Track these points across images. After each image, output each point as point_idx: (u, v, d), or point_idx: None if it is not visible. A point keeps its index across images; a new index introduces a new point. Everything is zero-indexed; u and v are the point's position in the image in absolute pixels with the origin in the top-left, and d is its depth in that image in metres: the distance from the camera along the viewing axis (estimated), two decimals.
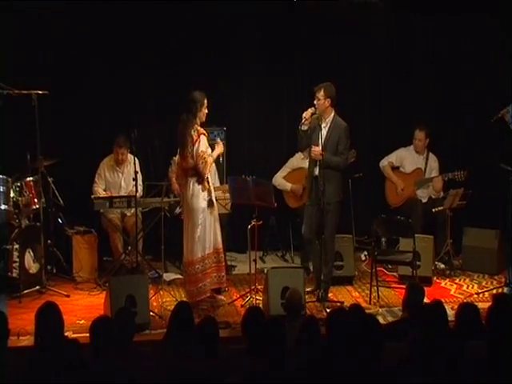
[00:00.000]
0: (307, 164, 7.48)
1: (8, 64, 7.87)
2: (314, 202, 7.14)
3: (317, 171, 7.12)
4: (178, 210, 8.11)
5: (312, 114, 7.05)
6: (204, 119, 7.02)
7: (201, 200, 6.95)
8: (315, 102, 7.09)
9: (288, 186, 8.46)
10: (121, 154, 8.09)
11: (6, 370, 4.32)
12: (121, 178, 8.21)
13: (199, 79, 8.29)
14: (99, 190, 8.10)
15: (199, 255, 6.96)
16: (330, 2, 8.73)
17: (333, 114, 7.16)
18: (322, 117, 7.10)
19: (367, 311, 5.74)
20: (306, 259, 8.04)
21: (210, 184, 7.04)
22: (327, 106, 7.10)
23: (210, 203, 6.98)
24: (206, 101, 6.96)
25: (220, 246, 7.08)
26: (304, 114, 7.05)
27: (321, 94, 7.07)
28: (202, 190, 6.96)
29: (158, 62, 8.66)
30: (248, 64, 8.92)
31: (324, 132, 7.08)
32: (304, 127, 7.08)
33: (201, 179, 6.93)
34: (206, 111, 6.98)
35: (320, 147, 6.98)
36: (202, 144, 6.89)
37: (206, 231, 6.97)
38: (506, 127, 8.06)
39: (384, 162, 8.78)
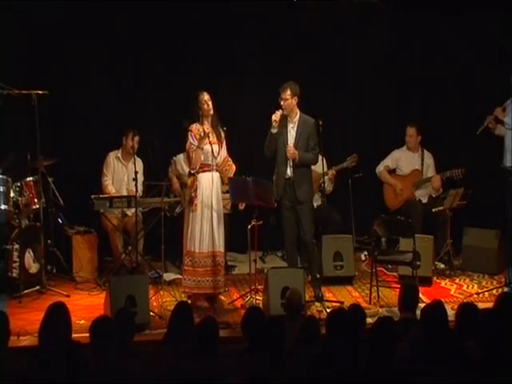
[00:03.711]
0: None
1: (8, 64, 7.86)
2: (289, 204, 7.21)
3: (289, 172, 7.18)
4: (178, 210, 8.12)
5: (281, 116, 7.10)
6: (208, 113, 7.02)
7: (187, 195, 7.11)
8: (282, 102, 7.12)
9: None
10: (136, 142, 8.03)
11: (6, 370, 4.32)
12: (125, 172, 8.21)
13: (199, 79, 8.29)
14: (109, 185, 8.12)
15: (184, 250, 7.09)
16: (330, 2, 8.73)
17: (299, 113, 7.22)
18: (289, 117, 7.18)
19: (367, 311, 5.73)
20: (305, 259, 8.03)
21: (200, 182, 7.03)
22: (294, 105, 7.15)
23: (190, 201, 7.03)
24: (201, 96, 6.98)
25: (217, 249, 7.05)
26: (274, 117, 7.09)
27: (287, 93, 7.11)
28: (189, 186, 7.05)
29: (158, 62, 8.67)
30: (248, 64, 8.93)
31: (293, 132, 7.19)
32: (274, 130, 7.13)
33: (189, 175, 7.09)
34: (206, 106, 6.99)
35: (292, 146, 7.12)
36: (189, 138, 7.00)
37: (189, 228, 7.03)
38: (493, 135, 8.09)
39: (380, 168, 8.78)
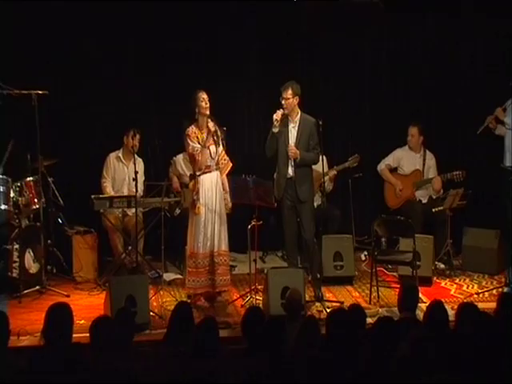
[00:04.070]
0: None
1: (8, 64, 7.86)
2: (290, 204, 7.26)
3: (291, 172, 7.22)
4: (177, 211, 8.11)
5: (282, 115, 7.13)
6: (205, 112, 7.01)
7: (189, 198, 7.08)
8: (283, 102, 7.17)
9: None
10: (137, 141, 7.98)
11: (6, 370, 4.32)
12: (126, 172, 8.20)
13: (199, 79, 8.29)
14: (107, 187, 8.10)
15: (189, 251, 7.08)
16: (330, 1, 8.73)
17: (300, 112, 7.25)
18: (290, 116, 7.21)
19: (367, 311, 5.74)
20: (305, 259, 8.03)
21: (201, 185, 7.02)
22: (295, 104, 7.19)
23: (192, 204, 7.01)
24: (200, 94, 6.99)
25: (215, 249, 7.06)
26: (275, 116, 7.13)
27: (289, 92, 7.16)
28: (191, 189, 7.03)
29: (158, 62, 8.66)
30: (248, 64, 8.93)
31: (294, 131, 7.24)
32: (276, 129, 7.16)
33: (191, 177, 7.08)
34: (204, 104, 6.99)
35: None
36: (190, 142, 6.99)
37: (193, 230, 7.03)
38: (493, 135, 8.09)
39: (381, 166, 8.79)
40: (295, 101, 7.17)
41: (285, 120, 7.20)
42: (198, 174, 7.05)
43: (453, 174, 8.37)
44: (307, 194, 7.28)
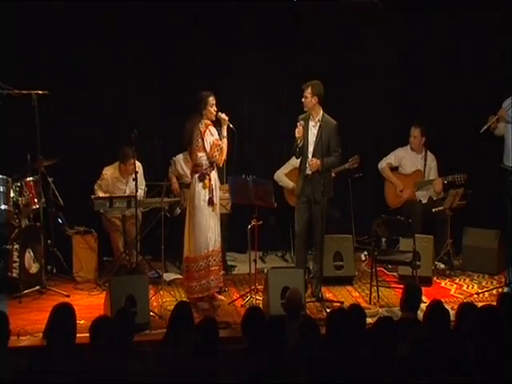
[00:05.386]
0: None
1: (8, 64, 7.86)
2: (305, 200, 7.27)
3: (309, 170, 7.25)
4: (177, 211, 8.11)
5: (303, 128, 7.19)
6: (213, 117, 7.06)
7: (202, 197, 7.01)
8: (303, 99, 7.24)
9: (290, 184, 8.37)
10: (131, 165, 7.76)
11: (6, 370, 4.32)
12: (125, 187, 8.13)
13: (199, 79, 8.30)
14: (99, 193, 8.07)
15: (202, 252, 7.01)
16: (330, 2, 8.73)
17: (321, 113, 7.28)
18: (311, 115, 7.24)
19: (367, 311, 5.73)
20: (305, 259, 8.03)
21: (213, 182, 7.04)
22: (314, 104, 7.23)
23: (210, 201, 6.99)
24: (211, 99, 7.04)
25: (218, 245, 7.12)
26: (297, 134, 7.18)
27: (308, 91, 7.22)
28: (203, 188, 7.01)
29: (159, 63, 8.67)
30: (248, 64, 8.93)
31: (314, 131, 7.26)
32: (300, 144, 7.22)
33: (202, 176, 7.00)
34: (214, 109, 7.04)
35: (312, 148, 7.18)
36: (214, 132, 7.00)
37: (208, 229, 7.00)
38: (493, 134, 8.10)
39: (382, 164, 8.78)
40: (314, 100, 7.20)
41: (306, 118, 7.26)
42: (208, 171, 7.02)
43: (454, 176, 8.36)
44: (323, 194, 7.25)
